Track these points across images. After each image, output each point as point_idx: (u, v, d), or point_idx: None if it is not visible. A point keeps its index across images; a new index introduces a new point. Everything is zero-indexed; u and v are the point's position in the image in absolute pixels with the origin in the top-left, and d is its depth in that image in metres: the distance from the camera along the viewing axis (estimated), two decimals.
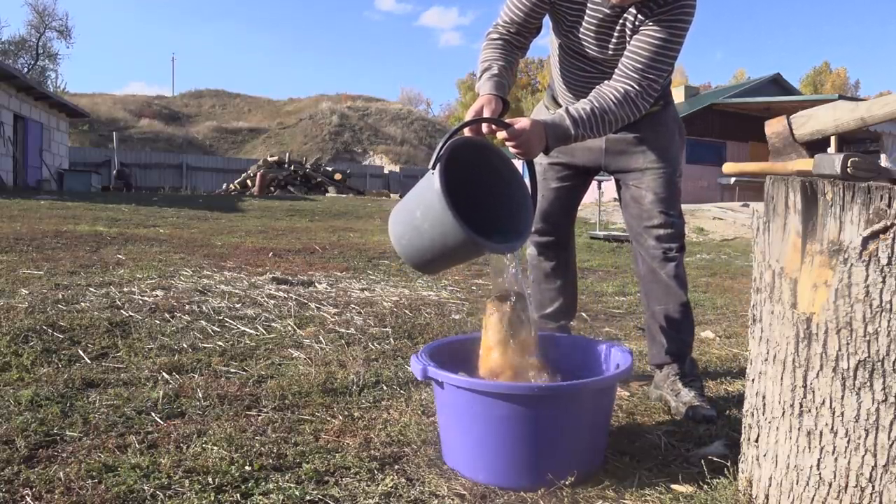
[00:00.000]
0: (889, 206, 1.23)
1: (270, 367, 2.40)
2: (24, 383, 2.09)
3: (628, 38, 1.93)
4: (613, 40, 1.97)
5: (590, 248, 7.43)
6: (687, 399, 2.03)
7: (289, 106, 50.12)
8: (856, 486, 1.28)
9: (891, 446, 1.24)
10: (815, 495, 1.33)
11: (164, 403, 1.96)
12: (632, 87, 1.87)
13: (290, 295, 3.68)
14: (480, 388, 1.55)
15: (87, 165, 23.71)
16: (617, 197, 2.30)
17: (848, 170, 1.37)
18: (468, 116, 1.76)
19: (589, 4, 1.94)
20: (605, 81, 1.92)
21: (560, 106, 2.26)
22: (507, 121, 1.76)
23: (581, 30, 2.00)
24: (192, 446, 1.66)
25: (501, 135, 1.75)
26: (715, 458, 1.64)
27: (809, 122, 1.67)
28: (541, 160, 2.19)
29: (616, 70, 1.92)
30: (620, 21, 1.93)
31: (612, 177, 2.25)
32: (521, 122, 1.74)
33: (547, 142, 1.79)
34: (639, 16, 1.89)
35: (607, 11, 1.92)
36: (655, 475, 1.61)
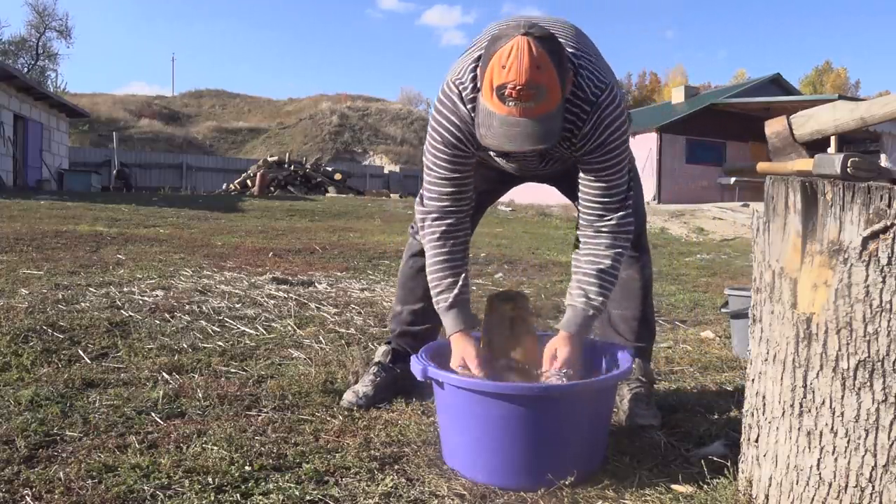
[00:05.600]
0: (889, 206, 1.23)
1: (270, 367, 2.40)
2: (24, 383, 2.09)
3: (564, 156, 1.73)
4: (549, 160, 1.80)
5: None
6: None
7: (289, 106, 50.06)
8: (856, 486, 1.28)
9: (891, 446, 1.24)
10: (815, 495, 1.33)
11: (164, 403, 1.96)
12: (615, 231, 1.68)
13: (290, 295, 3.68)
14: (480, 388, 1.55)
15: (87, 165, 23.65)
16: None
17: (848, 170, 1.37)
18: (463, 365, 1.66)
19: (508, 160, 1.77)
20: (587, 249, 1.70)
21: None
22: (550, 350, 1.67)
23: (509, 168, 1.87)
24: (192, 446, 1.66)
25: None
26: (715, 458, 1.64)
27: (809, 122, 1.67)
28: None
29: (585, 217, 1.70)
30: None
31: None
32: (563, 353, 1.64)
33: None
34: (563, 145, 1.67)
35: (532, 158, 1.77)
36: (655, 475, 1.61)
